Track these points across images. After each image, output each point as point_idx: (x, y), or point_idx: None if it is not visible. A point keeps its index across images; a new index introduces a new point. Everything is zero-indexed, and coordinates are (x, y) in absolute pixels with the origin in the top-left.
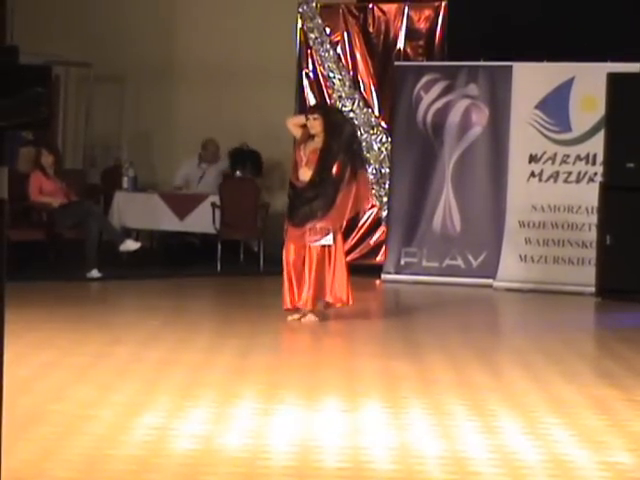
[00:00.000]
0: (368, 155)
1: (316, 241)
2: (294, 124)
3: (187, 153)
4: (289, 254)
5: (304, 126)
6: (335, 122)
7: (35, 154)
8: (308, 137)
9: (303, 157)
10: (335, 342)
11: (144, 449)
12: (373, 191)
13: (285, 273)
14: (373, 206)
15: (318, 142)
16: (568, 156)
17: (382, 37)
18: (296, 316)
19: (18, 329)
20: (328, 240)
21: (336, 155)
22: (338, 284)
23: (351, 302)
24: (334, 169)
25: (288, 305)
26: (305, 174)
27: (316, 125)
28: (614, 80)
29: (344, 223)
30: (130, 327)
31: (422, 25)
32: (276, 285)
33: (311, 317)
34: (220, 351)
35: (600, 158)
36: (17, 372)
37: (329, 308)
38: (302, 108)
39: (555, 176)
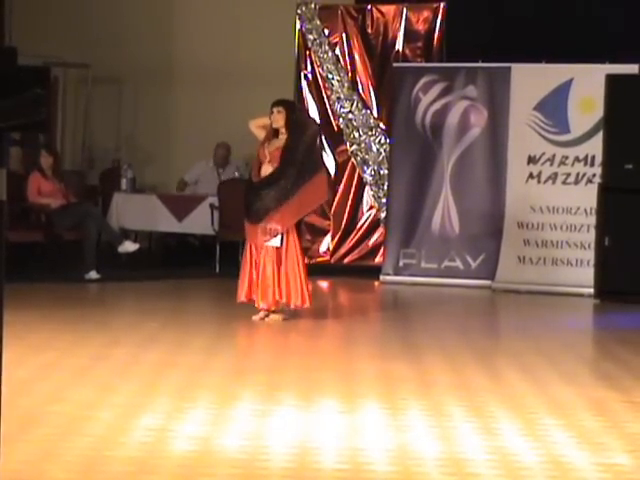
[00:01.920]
0: (367, 156)
1: (266, 241)
2: (256, 125)
3: (185, 154)
4: (250, 252)
5: (266, 127)
6: (300, 120)
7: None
8: (272, 136)
9: (267, 155)
10: (333, 343)
11: (143, 450)
12: (372, 193)
13: (242, 268)
14: (372, 207)
15: (282, 140)
16: (567, 157)
17: (381, 38)
18: (261, 314)
19: (17, 330)
20: (276, 242)
21: (298, 153)
22: (292, 286)
23: (307, 304)
24: (294, 167)
25: (240, 298)
26: (267, 171)
27: (279, 118)
28: (613, 82)
29: (294, 222)
30: (129, 329)
31: (421, 26)
32: None
33: (275, 316)
34: (219, 353)
35: (599, 159)
36: (16, 373)
37: (277, 308)
38: (301, 109)
39: (554, 177)
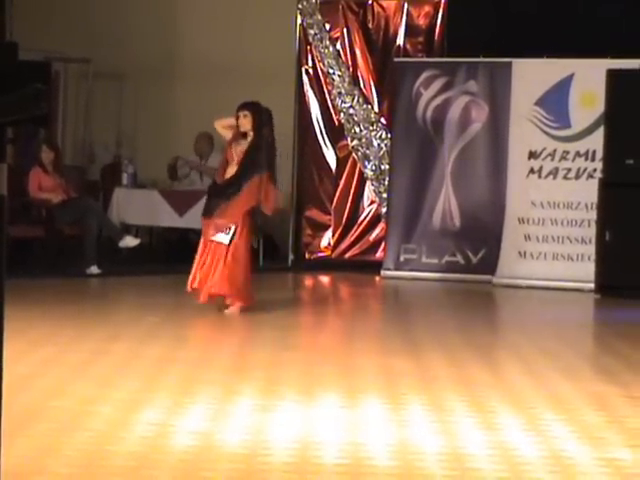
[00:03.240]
0: (368, 151)
1: (212, 236)
2: (222, 125)
3: (186, 149)
4: (204, 246)
5: (232, 127)
6: (265, 120)
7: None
8: (239, 136)
9: (234, 156)
10: (334, 338)
11: (144, 445)
12: (373, 188)
13: (196, 258)
14: (372, 202)
15: (250, 139)
16: (567, 152)
17: (382, 33)
18: (227, 311)
19: (17, 326)
20: (224, 239)
21: (261, 153)
22: (233, 284)
23: (237, 304)
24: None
25: (190, 287)
26: (231, 172)
27: (245, 123)
28: (614, 76)
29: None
30: (129, 324)
31: (422, 21)
32: (276, 281)
33: (232, 309)
34: (219, 348)
35: (600, 154)
36: (16, 369)
37: (211, 300)
38: (302, 105)
39: (554, 172)
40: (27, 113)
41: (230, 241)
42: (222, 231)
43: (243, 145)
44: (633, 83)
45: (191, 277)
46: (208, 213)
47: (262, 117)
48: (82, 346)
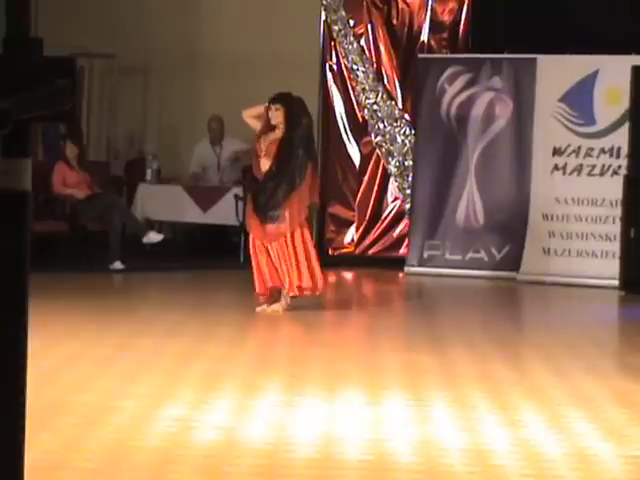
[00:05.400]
0: (392, 147)
1: (277, 234)
2: (251, 115)
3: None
4: (255, 246)
5: (261, 117)
6: (296, 113)
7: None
8: (268, 129)
9: (262, 149)
10: (357, 335)
11: (167, 440)
12: (396, 184)
13: (254, 263)
14: (396, 198)
15: (278, 133)
16: (592, 149)
17: (406, 29)
18: (264, 307)
19: (41, 321)
20: (283, 232)
21: (295, 146)
22: (309, 272)
23: (318, 291)
24: (292, 160)
25: (261, 290)
26: (265, 165)
27: (278, 115)
28: (639, 73)
29: (300, 221)
30: (153, 319)
31: (446, 17)
32: None
33: (275, 306)
34: (242, 343)
35: (624, 151)
36: (41, 364)
37: (302, 295)
38: (326, 101)
39: (579, 169)
40: (52, 109)
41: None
42: (280, 236)
43: (272, 137)
44: None
45: (259, 282)
46: (262, 215)
47: (293, 110)
48: (106, 341)
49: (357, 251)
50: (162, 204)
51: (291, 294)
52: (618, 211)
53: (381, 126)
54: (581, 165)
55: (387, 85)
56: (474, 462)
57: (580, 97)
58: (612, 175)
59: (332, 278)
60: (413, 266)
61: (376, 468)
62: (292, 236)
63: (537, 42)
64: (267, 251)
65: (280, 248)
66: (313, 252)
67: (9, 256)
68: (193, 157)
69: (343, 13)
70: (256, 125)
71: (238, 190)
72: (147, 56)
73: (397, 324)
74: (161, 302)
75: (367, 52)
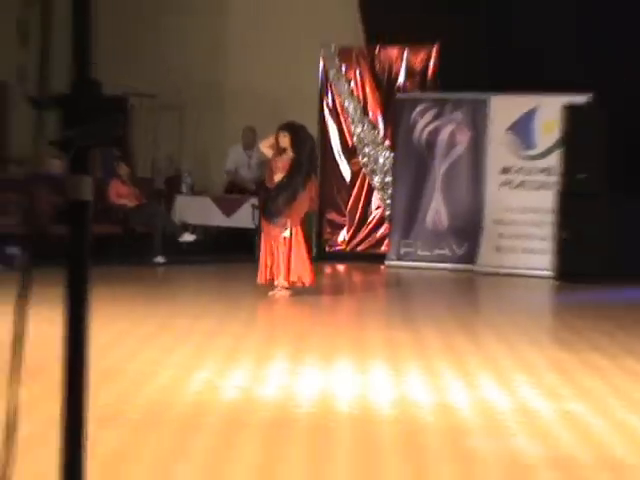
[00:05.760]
0: (375, 167)
1: (277, 235)
2: (265, 146)
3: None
4: (265, 243)
5: (273, 145)
6: (301, 138)
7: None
8: (279, 151)
9: (278, 166)
10: (348, 315)
11: (198, 398)
12: (379, 196)
13: (261, 257)
14: (379, 207)
15: (289, 154)
16: (532, 169)
17: (386, 74)
18: (273, 292)
19: (100, 304)
20: (286, 233)
21: (301, 165)
22: (300, 267)
23: (307, 283)
24: (298, 176)
25: (261, 280)
26: (277, 178)
27: (285, 141)
28: (568, 109)
29: (300, 219)
30: (187, 303)
31: (418, 65)
32: None
33: (281, 292)
34: (258, 322)
35: (557, 170)
36: (98, 339)
37: (293, 286)
38: (323, 130)
39: (522, 184)
40: (107, 137)
41: (290, 234)
42: (283, 228)
43: (284, 158)
44: (582, 114)
45: (263, 272)
46: (269, 218)
47: (299, 135)
48: (150, 320)
49: (348, 248)
50: (194, 211)
51: (284, 285)
52: (552, 217)
53: (366, 150)
54: (523, 181)
55: (371, 118)
56: (441, 415)
57: (523, 128)
58: (547, 189)
59: (328, 270)
60: (392, 260)
61: (363, 419)
62: (290, 238)
63: (490, 84)
64: (271, 249)
65: (280, 247)
66: (305, 251)
67: (75, 252)
68: (227, 158)
69: (337, 61)
70: (269, 153)
71: (254, 200)
72: (182, 95)
73: (379, 307)
74: (193, 289)
75: (355, 92)
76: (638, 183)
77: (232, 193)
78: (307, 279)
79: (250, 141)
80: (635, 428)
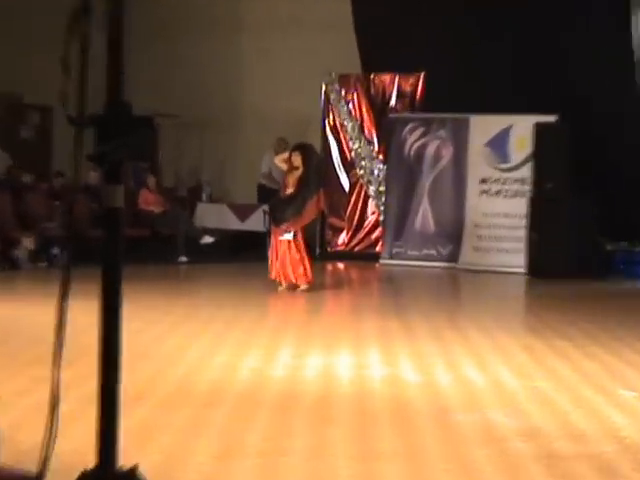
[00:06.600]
0: (371, 178)
1: (281, 236)
2: (280, 160)
3: (246, 177)
4: (274, 244)
5: (287, 159)
6: (310, 156)
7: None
8: (292, 167)
9: (290, 181)
10: (347, 307)
11: (218, 377)
12: (373, 203)
13: (270, 255)
14: (374, 212)
15: (300, 171)
16: (507, 179)
17: (380, 97)
18: (280, 288)
19: (130, 296)
20: (289, 236)
21: (310, 180)
22: (298, 269)
23: (302, 284)
24: (306, 190)
25: (272, 276)
26: (289, 190)
27: (297, 160)
28: (539, 127)
29: (305, 224)
30: (207, 297)
31: (407, 89)
32: None
33: (283, 288)
34: (269, 313)
35: (529, 180)
36: (129, 326)
37: (294, 287)
38: (325, 146)
39: (498, 193)
40: (138, 151)
41: (294, 236)
42: (287, 232)
43: (295, 174)
44: (551, 132)
45: (270, 268)
46: (278, 223)
47: (309, 154)
48: (175, 310)
49: (347, 249)
50: (213, 216)
51: (285, 284)
52: (524, 221)
53: (363, 163)
54: (500, 190)
55: (367, 135)
56: (426, 392)
57: (499, 143)
58: (521, 197)
59: (329, 268)
60: (385, 259)
61: (360, 396)
62: (293, 242)
63: (470, 106)
64: (278, 248)
65: (284, 250)
66: (305, 254)
67: (109, 252)
68: (262, 162)
69: (337, 86)
70: (283, 166)
71: (265, 207)
72: (202, 115)
73: (374, 300)
74: (212, 285)
75: (353, 113)
76: (597, 191)
77: (263, 196)
78: (301, 279)
79: (281, 149)
80: (594, 403)
